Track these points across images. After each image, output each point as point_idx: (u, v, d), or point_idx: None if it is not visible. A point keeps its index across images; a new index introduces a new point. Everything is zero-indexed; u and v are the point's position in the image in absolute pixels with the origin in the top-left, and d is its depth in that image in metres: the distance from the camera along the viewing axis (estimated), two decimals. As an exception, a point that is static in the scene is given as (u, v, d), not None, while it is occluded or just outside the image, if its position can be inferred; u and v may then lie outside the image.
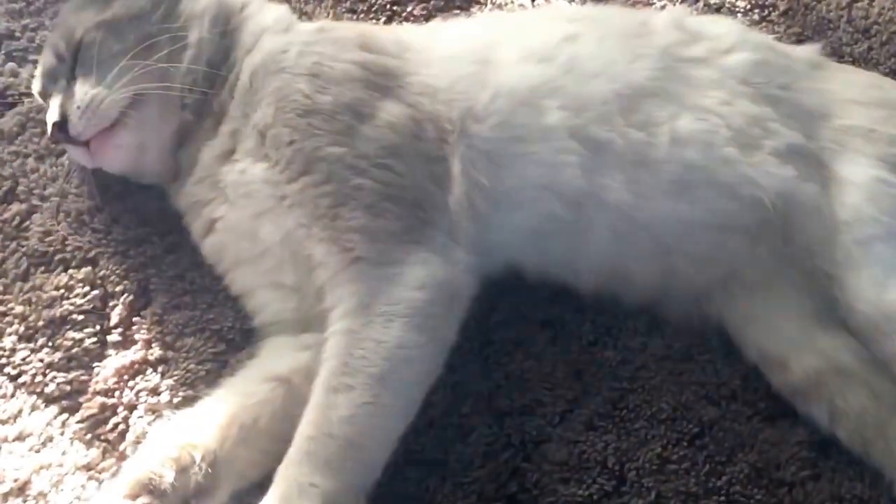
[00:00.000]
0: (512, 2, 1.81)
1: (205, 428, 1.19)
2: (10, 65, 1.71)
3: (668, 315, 1.36)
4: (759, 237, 1.29)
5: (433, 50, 1.38)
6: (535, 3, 1.81)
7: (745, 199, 1.26)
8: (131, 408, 1.30)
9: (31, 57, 1.71)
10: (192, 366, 1.34)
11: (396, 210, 1.23)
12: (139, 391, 1.31)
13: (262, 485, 1.14)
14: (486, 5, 1.81)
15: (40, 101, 1.46)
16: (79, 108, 1.31)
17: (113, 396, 1.31)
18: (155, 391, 1.31)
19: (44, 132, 1.58)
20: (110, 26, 1.35)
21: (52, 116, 1.34)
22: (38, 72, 1.46)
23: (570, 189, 1.26)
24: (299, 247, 1.25)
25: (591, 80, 1.30)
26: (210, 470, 1.16)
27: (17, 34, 1.74)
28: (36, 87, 1.45)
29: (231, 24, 1.41)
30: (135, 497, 1.13)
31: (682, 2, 1.80)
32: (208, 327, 1.38)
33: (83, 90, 1.32)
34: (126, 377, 1.33)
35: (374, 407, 1.14)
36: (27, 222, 1.49)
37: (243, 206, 1.29)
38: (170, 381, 1.32)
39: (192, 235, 1.39)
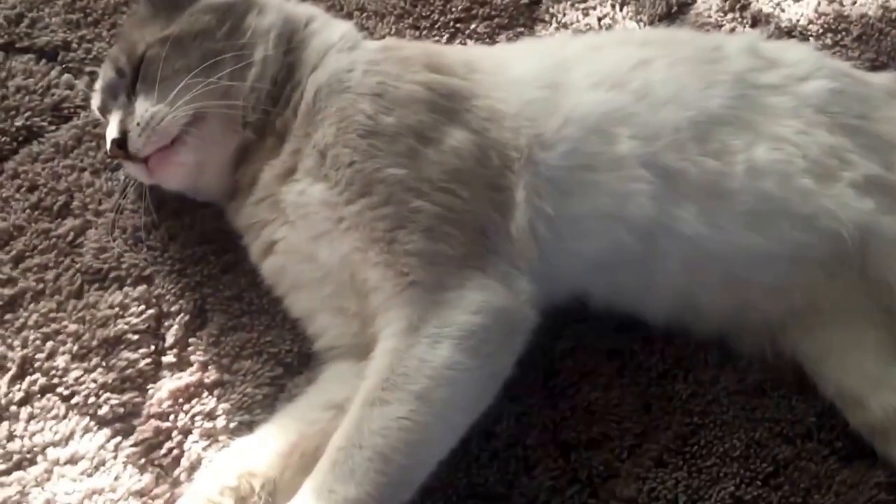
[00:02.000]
0: (578, 21, 1.76)
1: (264, 456, 1.16)
2: (66, 76, 1.69)
3: (740, 348, 1.32)
4: (836, 270, 1.24)
5: (501, 73, 1.34)
6: (602, 23, 1.77)
7: (822, 231, 1.21)
8: (186, 432, 1.27)
9: (88, 69, 1.69)
10: (249, 389, 1.31)
11: (457, 235, 1.19)
12: (194, 415, 1.28)
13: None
14: (550, 24, 1.77)
15: (98, 115, 1.43)
16: (139, 124, 1.29)
17: (167, 420, 1.28)
18: (211, 415, 1.28)
19: (99, 146, 1.57)
20: (174, 42, 1.32)
21: (111, 132, 1.32)
22: (97, 86, 1.44)
23: (640, 219, 1.22)
24: (356, 271, 1.21)
25: (663, 108, 1.26)
26: (270, 500, 1.13)
27: (74, 45, 1.72)
28: (95, 102, 1.43)
29: (295, 42, 1.38)
30: None
31: (752, 26, 1.74)
32: (266, 350, 1.35)
33: (143, 107, 1.30)
34: (181, 400, 1.29)
35: (409, 423, 1.10)
36: (81, 238, 1.47)
37: (302, 228, 1.26)
38: (226, 405, 1.29)
39: (251, 256, 1.36)
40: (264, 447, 1.17)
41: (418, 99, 1.27)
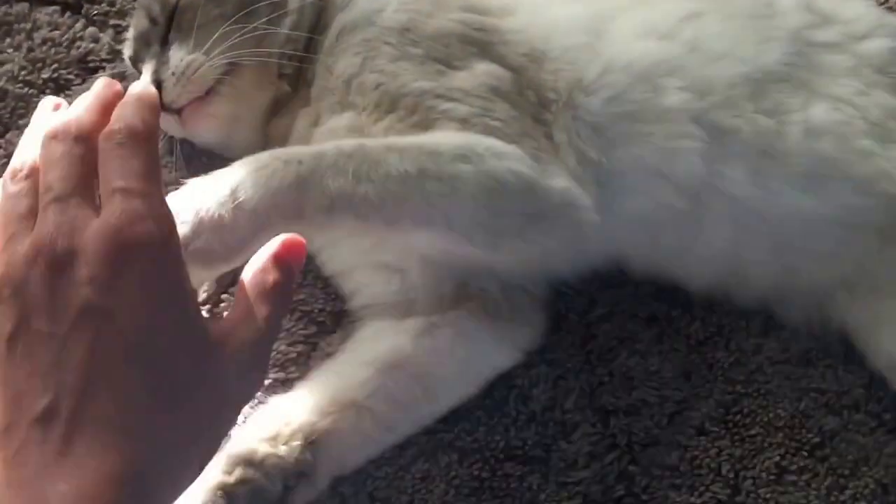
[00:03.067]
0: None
1: (303, 409, 1.13)
2: (91, 29, 1.66)
3: (784, 316, 1.28)
4: (892, 237, 1.19)
5: (541, 16, 1.30)
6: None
7: (880, 195, 1.17)
8: (219, 388, 1.23)
9: (112, 21, 1.66)
10: (282, 347, 1.28)
11: (501, 127, 1.14)
12: (227, 372, 1.24)
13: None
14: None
15: (130, 66, 1.40)
16: (173, 74, 1.26)
17: (200, 376, 1.24)
18: (244, 373, 1.24)
19: (127, 100, 1.53)
20: None
21: (144, 82, 1.28)
22: (129, 35, 1.41)
23: (687, 177, 1.18)
24: None
25: (716, 62, 1.21)
26: (308, 451, 1.09)
27: (98, -2, 1.69)
28: (127, 51, 1.40)
29: None
30: (231, 471, 1.06)
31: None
32: (298, 308, 1.32)
33: (178, 56, 1.27)
34: (214, 356, 1.25)
35: (402, 176, 1.04)
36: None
37: None
38: (259, 363, 1.25)
39: (282, 211, 1.32)
40: (303, 401, 1.14)
41: (449, 32, 1.23)
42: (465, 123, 1.14)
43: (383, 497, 1.15)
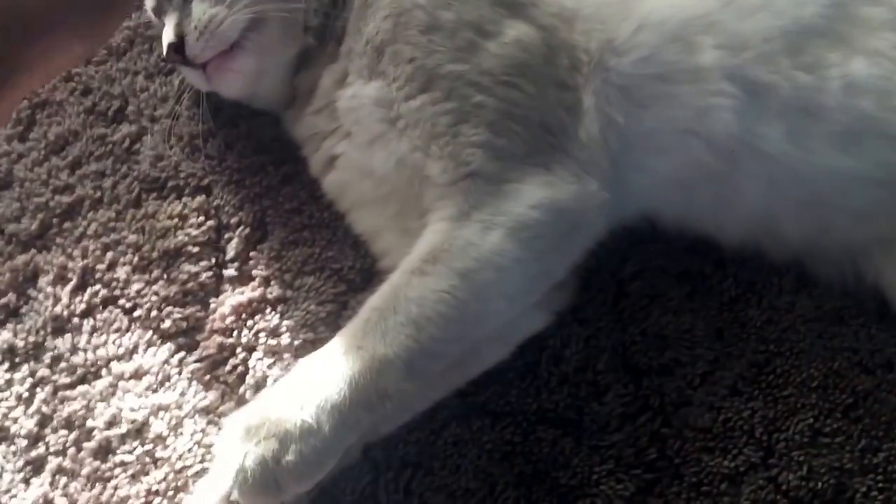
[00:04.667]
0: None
1: None
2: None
3: (817, 273, 1.27)
4: None
5: None
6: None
7: None
8: (250, 349, 1.25)
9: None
10: (312, 306, 1.28)
11: (521, 131, 1.15)
12: (258, 332, 1.26)
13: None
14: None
15: (154, 18, 1.38)
16: (196, 28, 1.24)
17: (231, 336, 1.26)
18: (275, 332, 1.26)
19: (153, 49, 1.52)
20: None
21: (167, 36, 1.27)
22: None
23: (721, 135, 1.16)
24: (414, 174, 1.16)
25: (752, 16, 1.18)
26: None
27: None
28: (149, 2, 1.38)
29: None
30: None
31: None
32: (328, 266, 1.32)
33: (201, 9, 1.25)
34: (244, 316, 1.27)
35: (448, 297, 1.07)
36: (138, 144, 1.44)
37: (357, 135, 1.21)
38: (289, 322, 1.26)
39: (311, 169, 1.32)
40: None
41: None
42: (492, 127, 1.14)
43: (415, 462, 1.16)
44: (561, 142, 1.16)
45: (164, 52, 1.27)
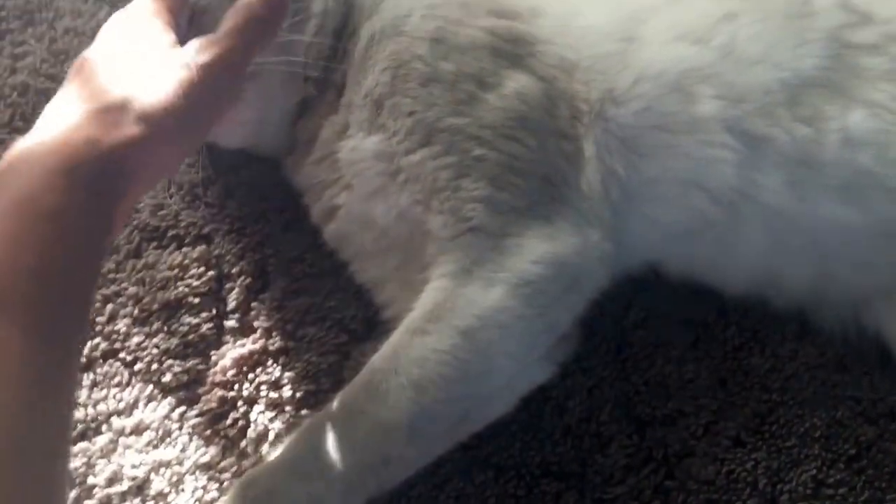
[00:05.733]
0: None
1: None
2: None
3: (819, 322, 1.27)
4: None
5: (571, 19, 1.26)
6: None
7: None
8: (252, 402, 1.24)
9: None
10: (314, 358, 1.27)
11: (522, 184, 1.14)
12: (259, 384, 1.25)
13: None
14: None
15: None
16: None
17: (232, 389, 1.25)
18: (276, 385, 1.25)
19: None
20: None
21: None
22: None
23: (720, 187, 1.16)
24: (415, 227, 1.16)
25: (752, 67, 1.18)
26: None
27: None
28: None
29: None
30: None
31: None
32: (330, 316, 1.31)
33: None
34: (245, 368, 1.26)
35: (449, 357, 1.06)
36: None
37: (358, 188, 1.21)
38: (291, 374, 1.26)
39: (312, 217, 1.31)
40: None
41: (479, 44, 1.20)
42: (493, 182, 1.13)
43: (418, 517, 1.15)
44: (562, 193, 1.16)
45: None
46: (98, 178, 0.84)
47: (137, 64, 0.92)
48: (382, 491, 1.11)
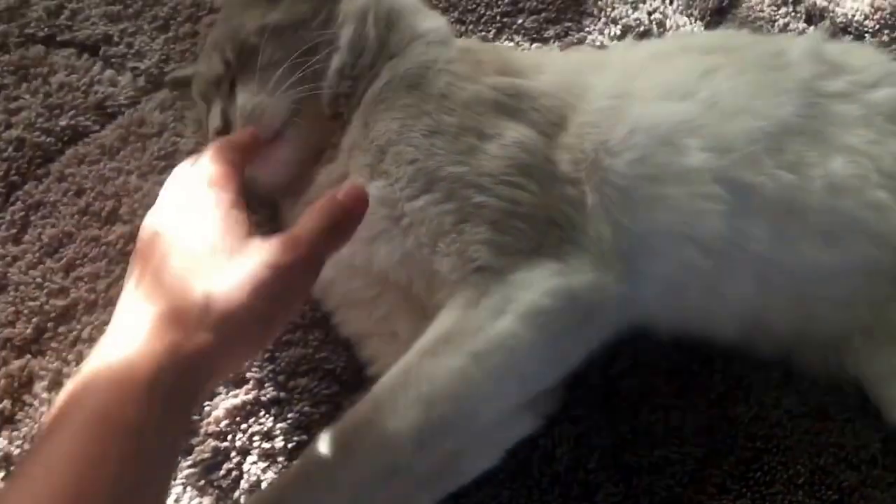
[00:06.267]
0: (627, 16, 1.73)
1: None
2: (109, 72, 1.67)
3: (802, 367, 1.30)
4: None
5: (569, 79, 1.32)
6: (652, 18, 1.73)
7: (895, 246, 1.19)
8: (244, 452, 1.26)
9: (131, 64, 1.67)
10: (306, 408, 1.29)
11: (527, 228, 1.17)
12: (252, 435, 1.26)
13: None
14: (599, 18, 1.73)
15: (200, 102, 1.42)
16: (241, 115, 1.28)
17: (226, 440, 1.26)
18: (269, 435, 1.26)
19: (145, 147, 1.54)
20: (274, 31, 1.31)
21: (214, 121, 1.32)
22: (199, 70, 1.43)
23: (710, 237, 1.19)
24: (417, 271, 1.19)
25: (734, 118, 1.22)
26: None
27: (115, 39, 1.69)
28: (196, 89, 1.43)
29: (383, 27, 1.36)
30: None
31: (806, 21, 1.71)
32: (321, 367, 1.33)
33: (244, 96, 1.29)
34: (238, 419, 1.27)
35: (459, 374, 1.07)
36: (131, 245, 1.44)
37: (359, 232, 1.22)
38: (283, 425, 1.27)
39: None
40: None
41: (483, 100, 1.25)
42: (495, 226, 1.16)
43: (410, 568, 1.16)
44: (571, 235, 1.18)
45: (210, 136, 1.32)
46: (178, 390, 0.83)
47: (213, 256, 0.91)
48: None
